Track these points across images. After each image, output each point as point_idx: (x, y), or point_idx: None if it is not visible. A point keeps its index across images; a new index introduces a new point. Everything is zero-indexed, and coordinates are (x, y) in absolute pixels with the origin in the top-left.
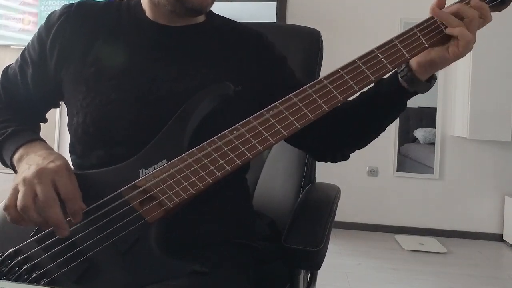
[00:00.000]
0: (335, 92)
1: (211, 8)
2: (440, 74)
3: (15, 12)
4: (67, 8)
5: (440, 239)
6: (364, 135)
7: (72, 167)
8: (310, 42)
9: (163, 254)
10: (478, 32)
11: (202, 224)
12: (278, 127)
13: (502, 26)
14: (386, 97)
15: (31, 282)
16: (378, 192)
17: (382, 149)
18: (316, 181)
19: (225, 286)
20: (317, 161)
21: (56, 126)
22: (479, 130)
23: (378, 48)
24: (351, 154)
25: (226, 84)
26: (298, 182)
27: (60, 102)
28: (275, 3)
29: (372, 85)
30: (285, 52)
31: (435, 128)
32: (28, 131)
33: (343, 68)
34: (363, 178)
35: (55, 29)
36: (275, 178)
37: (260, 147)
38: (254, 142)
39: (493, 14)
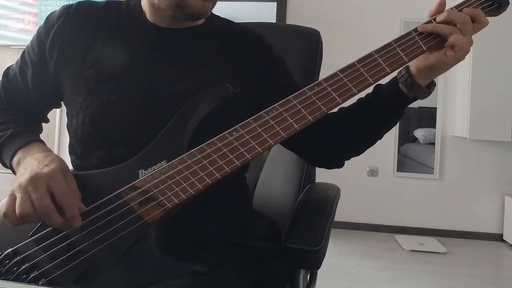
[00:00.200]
0: (334, 95)
1: None
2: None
3: (15, 12)
4: (67, 9)
5: (440, 239)
6: (361, 140)
7: (71, 167)
8: (310, 42)
9: (162, 254)
10: (478, 33)
11: (202, 224)
12: (277, 128)
13: (502, 26)
14: (386, 102)
15: (29, 282)
16: (378, 192)
17: (382, 149)
18: (316, 181)
19: (225, 286)
20: (312, 166)
21: (56, 127)
22: (479, 130)
23: (377, 51)
24: (346, 161)
25: (225, 86)
26: (298, 182)
27: (61, 102)
28: (275, 3)
29: (371, 89)
30: (285, 52)
31: (435, 128)
32: (27, 133)
33: (342, 71)
34: (363, 178)
35: (55, 30)
36: (275, 178)
37: (259, 149)
38: (253, 143)
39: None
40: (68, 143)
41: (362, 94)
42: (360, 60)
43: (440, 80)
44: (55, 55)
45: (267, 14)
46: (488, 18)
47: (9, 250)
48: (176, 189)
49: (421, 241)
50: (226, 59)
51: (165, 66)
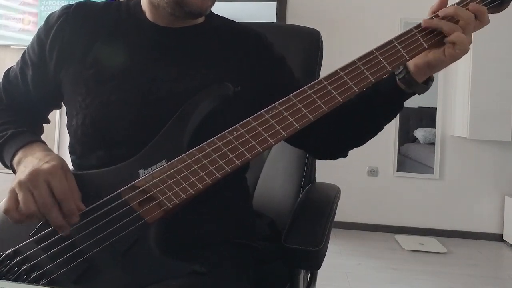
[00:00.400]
0: (334, 93)
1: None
2: (440, 74)
3: (15, 12)
4: (66, 9)
5: (440, 239)
6: (363, 134)
7: (71, 167)
8: (310, 42)
9: (162, 254)
10: (478, 32)
11: (202, 224)
12: (278, 127)
13: (502, 26)
14: (384, 98)
15: (30, 282)
16: (378, 192)
17: (382, 149)
18: (316, 181)
19: (225, 286)
20: (317, 159)
21: (56, 127)
22: (479, 130)
23: (378, 49)
24: (350, 152)
25: (225, 85)
26: (298, 182)
27: (62, 102)
28: (275, 3)
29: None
30: (285, 52)
31: (435, 128)
32: (27, 133)
33: (342, 69)
34: (363, 178)
35: (54, 30)
36: (275, 178)
37: (259, 148)
38: (254, 142)
39: (493, 14)
40: (68, 143)
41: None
42: (360, 58)
43: (440, 80)
44: (55, 55)
45: (267, 14)
46: (489, 16)
47: (10, 250)
48: (176, 188)
49: (421, 241)
50: (226, 59)
51: (165, 66)
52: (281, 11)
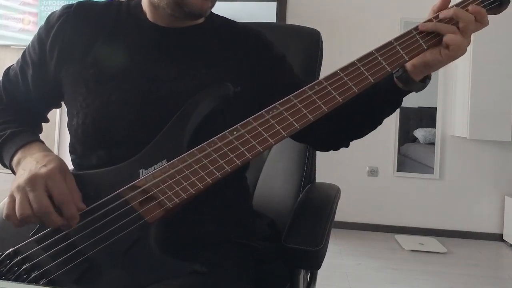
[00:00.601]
0: (334, 94)
1: None
2: (440, 74)
3: (15, 12)
4: (67, 9)
5: (440, 239)
6: (363, 128)
7: (72, 167)
8: (310, 42)
9: (163, 254)
10: (478, 32)
11: (202, 224)
12: (278, 128)
13: (502, 26)
14: (383, 95)
15: (30, 282)
16: (378, 192)
17: (382, 149)
18: (316, 181)
19: (225, 285)
20: (320, 151)
21: (56, 126)
22: (479, 130)
23: (377, 50)
24: (351, 152)
25: (225, 85)
26: (298, 182)
27: (61, 102)
28: (275, 3)
29: None
30: (285, 52)
31: (435, 128)
32: (26, 133)
33: (342, 70)
34: (363, 178)
35: (55, 30)
36: (275, 178)
37: (259, 148)
38: (254, 142)
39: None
40: (68, 143)
41: None
42: (360, 59)
43: (440, 80)
44: (56, 55)
45: (267, 14)
46: (489, 17)
47: (10, 250)
48: (177, 188)
49: (421, 241)
50: (226, 59)
51: (165, 65)
52: (281, 11)
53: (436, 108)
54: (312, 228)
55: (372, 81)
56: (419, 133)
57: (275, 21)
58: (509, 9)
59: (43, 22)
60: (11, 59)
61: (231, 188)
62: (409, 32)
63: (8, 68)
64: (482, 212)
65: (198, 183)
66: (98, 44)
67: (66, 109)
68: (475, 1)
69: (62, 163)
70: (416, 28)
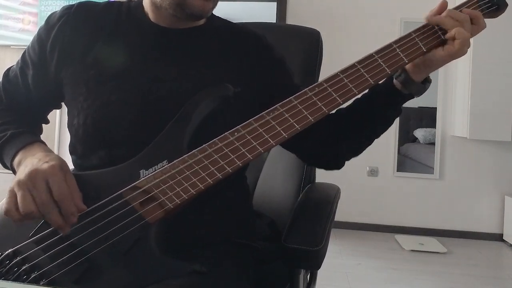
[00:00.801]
0: (334, 95)
1: None
2: (440, 74)
3: (15, 12)
4: (67, 10)
5: (440, 239)
6: (359, 139)
7: (72, 167)
8: (310, 42)
9: (163, 254)
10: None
11: (202, 224)
12: (279, 129)
13: (502, 26)
14: (383, 99)
15: (30, 283)
16: (378, 192)
17: (382, 149)
18: (316, 181)
19: (225, 285)
20: (311, 166)
21: (56, 127)
22: (479, 130)
23: (377, 52)
24: (346, 162)
25: (225, 86)
26: (298, 182)
27: (61, 103)
28: (275, 3)
29: None
30: (285, 52)
31: (435, 128)
32: (27, 134)
33: (342, 71)
34: (363, 178)
35: (55, 31)
36: (275, 178)
37: (260, 149)
38: (255, 143)
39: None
40: (68, 143)
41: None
42: (360, 61)
43: (440, 80)
44: (56, 55)
45: (267, 14)
46: (487, 19)
47: (9, 250)
48: (178, 189)
49: (421, 241)
50: (226, 59)
51: (165, 66)
52: (281, 11)
53: (436, 108)
54: (312, 228)
55: (372, 82)
56: (419, 133)
57: (275, 21)
58: (509, 10)
59: (43, 22)
60: (11, 59)
61: (231, 188)
62: (409, 34)
63: (8, 69)
64: (482, 212)
65: (199, 183)
66: (99, 44)
67: (67, 110)
68: (472, 6)
69: (63, 162)
70: (416, 31)
